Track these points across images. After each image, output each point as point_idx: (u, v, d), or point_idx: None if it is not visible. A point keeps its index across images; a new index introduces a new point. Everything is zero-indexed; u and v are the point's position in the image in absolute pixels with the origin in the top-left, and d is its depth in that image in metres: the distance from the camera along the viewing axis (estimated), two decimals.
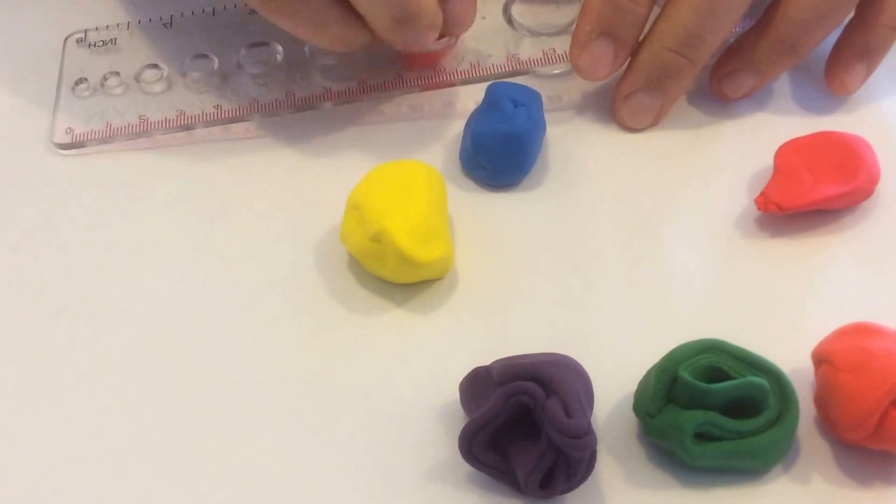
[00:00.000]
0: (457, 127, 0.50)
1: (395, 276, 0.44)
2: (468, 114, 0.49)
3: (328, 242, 0.46)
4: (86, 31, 0.53)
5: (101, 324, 0.44)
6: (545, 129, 0.49)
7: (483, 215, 0.47)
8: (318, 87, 0.50)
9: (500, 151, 0.47)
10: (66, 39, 0.53)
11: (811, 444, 0.40)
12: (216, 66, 0.51)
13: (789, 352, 0.41)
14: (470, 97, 0.51)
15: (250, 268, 0.45)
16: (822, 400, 0.39)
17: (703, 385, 0.37)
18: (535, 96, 0.48)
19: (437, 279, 0.45)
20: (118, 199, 0.48)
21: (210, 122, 0.50)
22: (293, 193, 0.48)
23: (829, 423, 0.39)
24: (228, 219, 0.47)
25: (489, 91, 0.48)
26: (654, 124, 0.50)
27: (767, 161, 0.47)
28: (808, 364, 0.40)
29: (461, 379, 0.39)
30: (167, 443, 0.40)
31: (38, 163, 0.50)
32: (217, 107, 0.50)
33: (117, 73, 0.52)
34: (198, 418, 0.41)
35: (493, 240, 0.46)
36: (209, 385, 0.42)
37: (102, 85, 0.51)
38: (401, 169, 0.45)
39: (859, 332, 0.40)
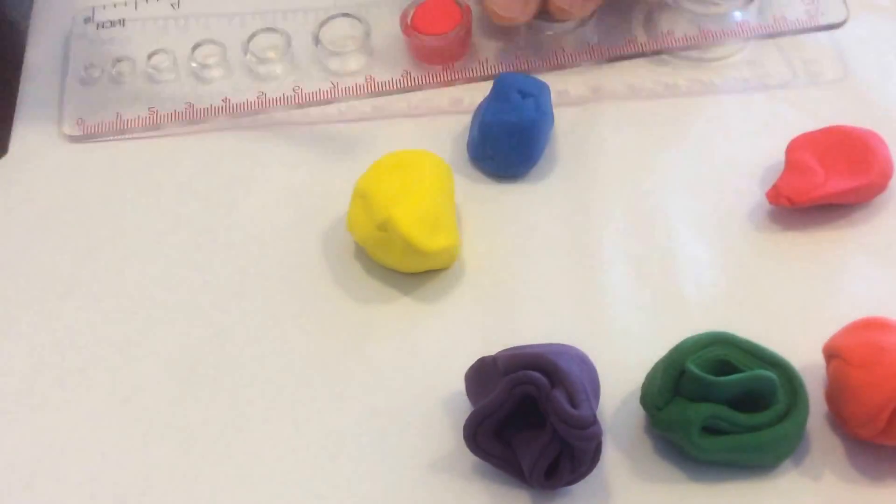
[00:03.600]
0: (464, 118, 0.50)
1: (401, 265, 0.43)
2: (476, 105, 0.49)
3: (335, 231, 0.46)
4: (93, 8, 0.53)
5: (109, 311, 0.44)
6: (553, 121, 0.48)
7: (490, 206, 0.47)
8: (326, 81, 0.50)
9: (508, 142, 0.46)
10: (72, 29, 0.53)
11: (822, 439, 0.39)
12: (226, 54, 0.51)
13: (800, 346, 0.40)
14: (478, 90, 0.50)
15: (257, 256, 0.45)
16: (833, 395, 0.39)
17: (712, 378, 0.37)
18: (543, 87, 0.48)
19: (444, 269, 0.44)
20: (125, 187, 0.48)
21: (217, 115, 0.49)
22: (300, 182, 0.48)
23: (839, 419, 0.39)
24: (236, 207, 0.47)
25: (497, 81, 0.48)
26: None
27: (780, 154, 0.46)
28: (819, 359, 0.40)
29: (467, 369, 0.39)
30: (171, 429, 0.40)
31: (47, 152, 0.49)
32: (225, 100, 0.50)
33: (128, 59, 0.51)
34: (202, 406, 0.40)
35: (501, 231, 0.46)
36: (215, 372, 0.41)
37: (111, 73, 0.51)
38: (408, 158, 0.45)
39: (871, 326, 0.39)
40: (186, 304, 0.44)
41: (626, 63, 0.51)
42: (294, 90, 0.50)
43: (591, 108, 0.50)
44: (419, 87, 0.50)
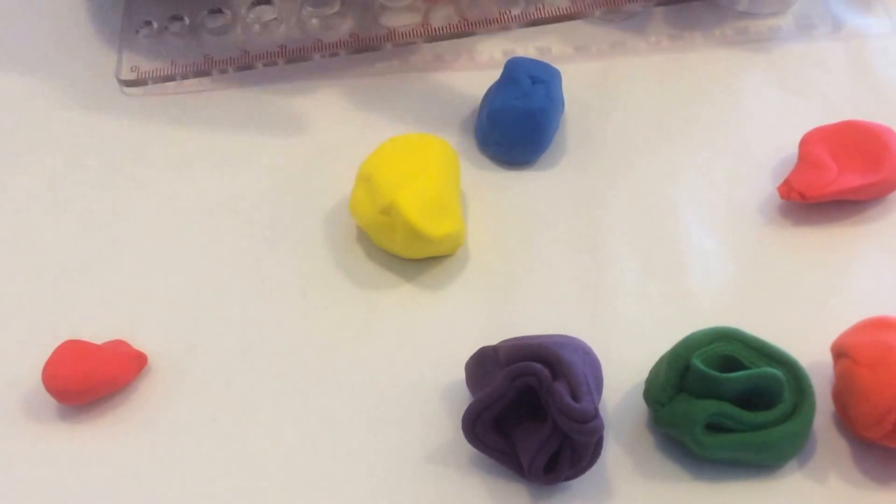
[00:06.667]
0: (473, 102, 0.49)
1: (404, 251, 0.43)
2: (485, 88, 0.48)
3: (337, 214, 0.45)
4: None
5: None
6: (563, 108, 0.48)
7: (497, 193, 0.46)
8: (382, 28, 0.50)
9: (516, 128, 0.46)
10: None
11: (828, 440, 0.38)
12: (279, 8, 0.51)
13: (808, 344, 0.40)
14: (486, 77, 0.49)
15: (257, 237, 0.45)
16: (840, 395, 0.38)
17: (717, 374, 0.36)
18: (554, 73, 0.47)
19: (448, 255, 0.44)
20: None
21: (271, 62, 0.50)
22: (304, 162, 0.47)
23: (846, 420, 0.38)
24: (237, 185, 0.47)
25: (507, 66, 0.47)
26: None
27: (793, 147, 0.46)
28: (827, 357, 0.39)
29: (467, 358, 0.39)
30: (174, 412, 0.39)
31: (104, 100, 0.50)
32: (281, 47, 0.50)
33: (181, 18, 0.52)
34: (198, 391, 0.40)
35: (507, 219, 0.45)
36: (210, 358, 0.41)
37: (167, 28, 0.51)
38: (413, 142, 0.44)
39: (881, 326, 0.38)
40: (184, 288, 0.43)
41: (638, 52, 0.51)
42: (351, 36, 0.50)
43: (603, 96, 0.50)
44: (474, 32, 0.50)
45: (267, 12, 0.51)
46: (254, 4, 0.51)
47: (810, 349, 0.39)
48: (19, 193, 0.46)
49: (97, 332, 0.41)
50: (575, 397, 0.35)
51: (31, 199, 0.46)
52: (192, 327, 0.42)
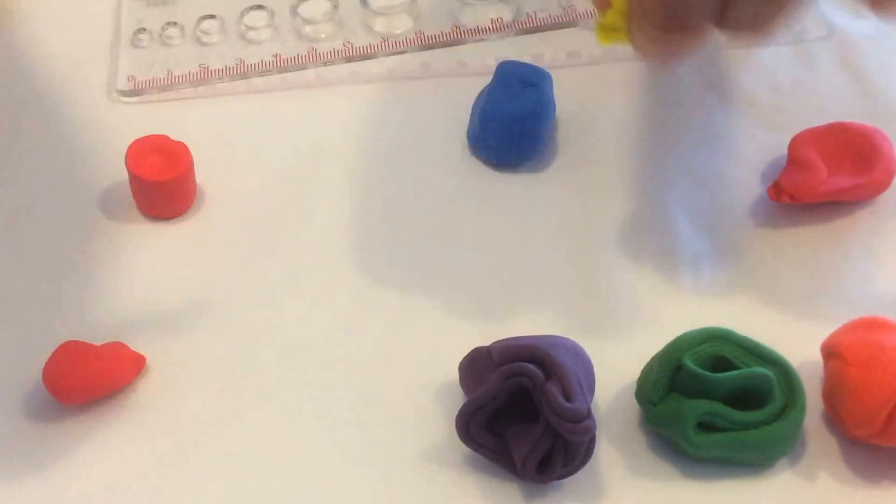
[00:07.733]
0: (465, 105, 0.49)
1: None
2: (476, 92, 0.48)
3: (332, 216, 0.45)
4: None
5: None
6: (555, 110, 0.48)
7: (489, 196, 0.46)
8: (376, 36, 0.50)
9: (508, 132, 0.46)
10: None
11: (818, 439, 0.39)
12: (273, 16, 0.52)
13: (798, 344, 0.40)
14: (477, 81, 0.50)
15: (256, 239, 0.45)
16: (831, 394, 0.38)
17: (708, 374, 0.37)
18: (545, 76, 0.47)
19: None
20: None
21: (268, 70, 0.50)
22: (296, 164, 0.47)
23: (836, 419, 0.38)
24: (240, 177, 0.47)
25: (499, 70, 0.47)
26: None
27: (783, 149, 0.46)
28: (818, 357, 0.40)
29: (461, 359, 0.39)
30: (171, 413, 0.40)
31: (99, 110, 0.49)
32: (276, 55, 0.50)
33: (175, 24, 0.52)
34: (192, 395, 0.40)
35: (498, 221, 0.45)
36: (207, 360, 0.41)
37: (161, 35, 0.51)
38: None
39: (871, 326, 0.39)
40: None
41: (628, 56, 0.51)
42: (344, 45, 0.50)
43: (594, 99, 0.50)
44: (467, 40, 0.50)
45: (261, 19, 0.51)
46: (246, 10, 0.52)
47: (801, 349, 0.40)
48: (19, 195, 0.46)
49: (96, 334, 0.41)
50: (567, 397, 0.35)
51: (29, 201, 0.46)
52: (188, 330, 0.42)
